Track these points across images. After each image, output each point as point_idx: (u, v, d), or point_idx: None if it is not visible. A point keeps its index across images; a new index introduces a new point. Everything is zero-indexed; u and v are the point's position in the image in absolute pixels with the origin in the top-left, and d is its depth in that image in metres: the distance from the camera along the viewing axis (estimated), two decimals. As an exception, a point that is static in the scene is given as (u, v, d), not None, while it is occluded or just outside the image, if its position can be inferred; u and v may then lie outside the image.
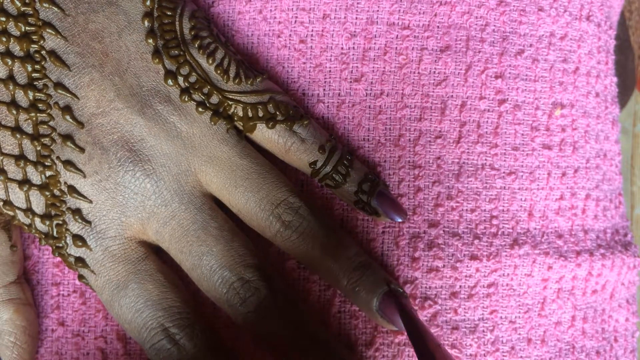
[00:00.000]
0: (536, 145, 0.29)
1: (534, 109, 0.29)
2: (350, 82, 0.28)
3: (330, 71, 0.28)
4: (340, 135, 0.28)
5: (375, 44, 0.28)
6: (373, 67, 0.28)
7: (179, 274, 0.27)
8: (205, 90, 0.25)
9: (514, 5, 0.29)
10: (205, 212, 0.25)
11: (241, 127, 0.26)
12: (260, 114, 0.26)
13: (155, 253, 0.27)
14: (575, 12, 0.31)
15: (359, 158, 0.28)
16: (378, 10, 0.28)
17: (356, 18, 0.28)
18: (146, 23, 0.25)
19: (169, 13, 0.25)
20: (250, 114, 0.26)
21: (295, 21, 0.28)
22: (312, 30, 0.28)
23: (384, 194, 0.27)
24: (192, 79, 0.25)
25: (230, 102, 0.25)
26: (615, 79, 0.34)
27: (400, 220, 0.27)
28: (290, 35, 0.28)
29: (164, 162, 0.25)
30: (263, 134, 0.26)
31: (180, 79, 0.25)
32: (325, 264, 0.26)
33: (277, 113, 0.26)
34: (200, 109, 0.25)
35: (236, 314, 0.25)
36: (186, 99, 0.25)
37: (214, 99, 0.25)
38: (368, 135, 0.28)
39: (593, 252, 0.30)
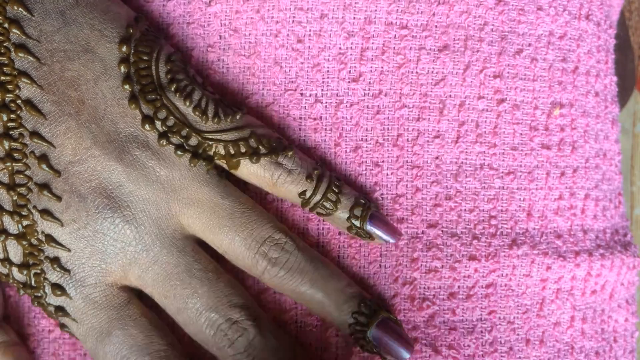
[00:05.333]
0: (535, 145, 0.29)
1: (533, 109, 0.29)
2: (349, 82, 0.28)
3: (328, 71, 0.28)
4: (338, 135, 0.28)
5: (373, 43, 0.28)
6: (371, 67, 0.28)
7: (163, 315, 0.26)
8: (184, 132, 0.25)
9: (512, 5, 0.29)
10: (188, 254, 0.25)
11: (225, 166, 0.26)
12: (243, 149, 0.25)
13: (138, 296, 0.26)
14: (575, 11, 0.30)
15: (358, 158, 0.28)
16: (376, 10, 0.28)
17: (354, 18, 0.27)
18: (122, 69, 0.25)
19: (145, 58, 0.25)
20: (232, 151, 0.25)
21: (293, 21, 0.27)
22: (310, 30, 0.27)
23: (377, 216, 0.26)
24: (170, 122, 0.25)
25: (210, 142, 0.25)
26: (615, 78, 0.34)
27: (394, 241, 0.27)
28: (288, 34, 0.27)
29: (144, 207, 0.25)
30: (248, 169, 0.26)
31: (158, 123, 0.25)
32: (316, 298, 0.25)
33: (260, 147, 0.25)
34: (179, 152, 0.25)
35: (225, 356, 0.25)
36: (164, 143, 0.25)
37: (193, 140, 0.25)
38: (366, 135, 0.28)
39: (592, 252, 0.30)
